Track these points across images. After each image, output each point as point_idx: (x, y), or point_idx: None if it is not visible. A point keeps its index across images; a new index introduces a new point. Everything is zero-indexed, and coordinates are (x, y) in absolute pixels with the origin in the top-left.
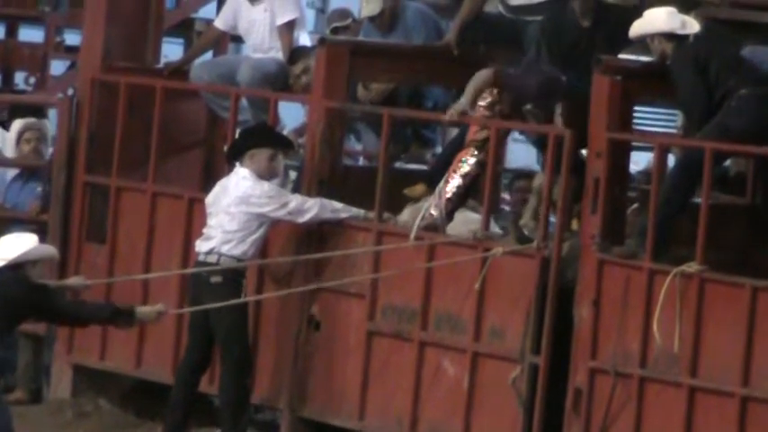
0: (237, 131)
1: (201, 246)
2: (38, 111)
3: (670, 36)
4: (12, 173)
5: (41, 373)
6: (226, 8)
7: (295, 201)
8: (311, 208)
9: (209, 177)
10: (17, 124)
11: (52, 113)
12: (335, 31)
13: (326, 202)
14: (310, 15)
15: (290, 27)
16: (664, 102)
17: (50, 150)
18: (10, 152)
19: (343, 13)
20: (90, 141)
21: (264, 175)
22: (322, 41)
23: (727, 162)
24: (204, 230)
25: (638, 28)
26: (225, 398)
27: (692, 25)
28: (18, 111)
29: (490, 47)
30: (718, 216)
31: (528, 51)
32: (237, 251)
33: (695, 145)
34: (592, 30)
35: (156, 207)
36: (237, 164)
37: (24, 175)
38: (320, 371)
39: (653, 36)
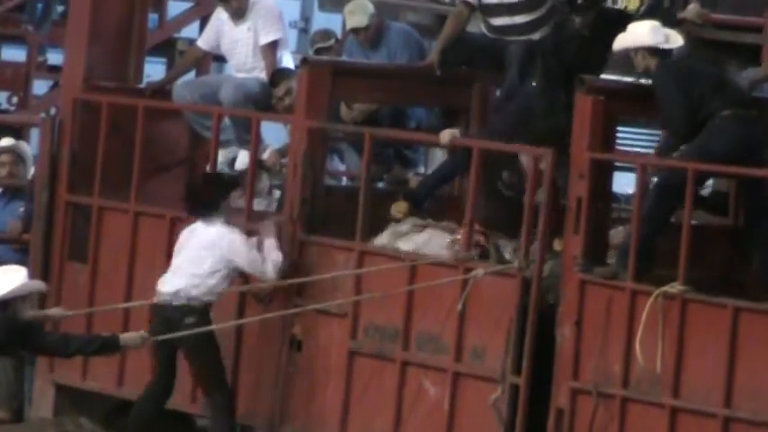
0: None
1: (165, 285)
2: (16, 131)
3: (654, 51)
4: None
5: (23, 391)
6: (208, 28)
7: (260, 259)
8: (267, 272)
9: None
10: None
11: (35, 133)
12: (318, 51)
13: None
14: (293, 35)
15: (273, 47)
16: (647, 122)
17: (32, 170)
18: None
19: (326, 34)
20: (72, 161)
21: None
22: (305, 61)
23: (709, 181)
24: (169, 270)
25: (621, 42)
26: None
27: (675, 40)
28: None
29: (472, 67)
30: (701, 236)
31: (509, 71)
32: (207, 297)
33: (677, 166)
34: (593, 40)
35: (138, 227)
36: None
37: (7, 195)
38: (302, 391)
39: (636, 50)
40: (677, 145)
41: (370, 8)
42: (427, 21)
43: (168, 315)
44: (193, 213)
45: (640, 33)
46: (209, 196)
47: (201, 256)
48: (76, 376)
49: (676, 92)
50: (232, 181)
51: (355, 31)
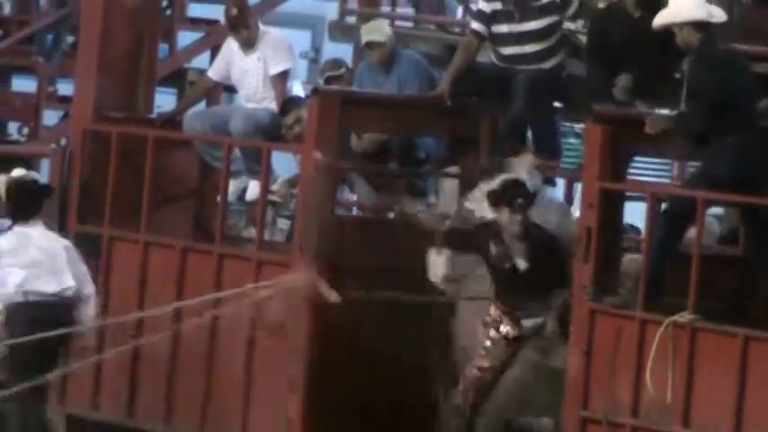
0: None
1: (52, 285)
2: (26, 162)
3: (700, 26)
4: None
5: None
6: (219, 58)
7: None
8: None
9: (201, 227)
10: (3, 178)
11: (45, 163)
12: (329, 80)
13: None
14: (303, 66)
15: (283, 77)
16: (658, 151)
17: None
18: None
19: (336, 63)
20: (82, 191)
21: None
22: (315, 91)
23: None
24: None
25: (664, 17)
26: None
27: (719, 15)
28: (8, 162)
29: (482, 97)
30: (710, 265)
31: (515, 101)
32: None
33: (686, 194)
34: (645, 22)
35: (148, 257)
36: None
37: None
38: None
39: (681, 25)
40: (695, 125)
41: (388, 30)
42: (437, 51)
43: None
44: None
45: (685, 7)
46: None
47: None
48: (86, 407)
49: (714, 81)
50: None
51: (370, 46)
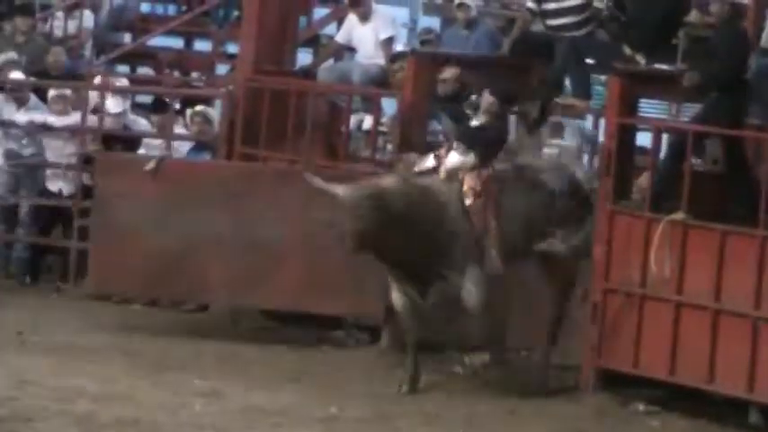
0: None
1: None
2: (205, 101)
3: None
4: (187, 146)
5: None
6: (343, 27)
7: None
8: None
9: (331, 151)
10: (189, 111)
11: (218, 103)
12: (422, 43)
13: None
14: (403, 33)
15: (389, 41)
16: (661, 96)
17: (216, 129)
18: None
19: (428, 31)
20: (244, 123)
21: None
22: (412, 51)
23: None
24: None
25: None
26: None
27: None
28: (191, 101)
29: (533, 57)
30: (700, 180)
31: (558, 59)
32: None
33: (683, 128)
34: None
35: None
36: None
37: (197, 148)
38: None
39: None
40: (713, 82)
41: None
42: (501, 23)
43: None
44: None
45: None
46: None
47: None
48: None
49: (738, 52)
50: None
51: (460, 7)
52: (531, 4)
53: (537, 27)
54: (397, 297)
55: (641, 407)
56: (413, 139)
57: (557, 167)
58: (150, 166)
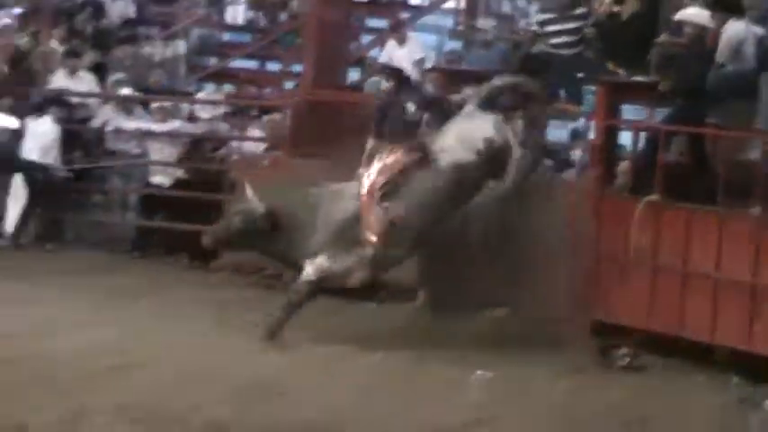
0: None
1: None
2: (276, 110)
3: (701, 27)
4: (263, 146)
5: None
6: (384, 50)
7: None
8: None
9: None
10: (265, 118)
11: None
12: (448, 62)
13: None
14: (432, 54)
15: (421, 61)
16: (637, 102)
17: (285, 133)
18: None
19: (453, 52)
20: (306, 128)
21: None
22: (433, 68)
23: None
24: None
25: (682, 15)
26: None
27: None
28: (265, 111)
29: (536, 70)
30: (670, 169)
31: (556, 72)
32: None
33: (657, 128)
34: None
35: None
36: None
37: (270, 148)
38: None
39: (692, 24)
40: (678, 96)
41: (490, 26)
42: (508, 45)
43: None
44: None
45: (696, 14)
46: None
47: None
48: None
49: (703, 66)
50: None
51: (479, 32)
52: (535, 27)
53: (538, 48)
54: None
55: (623, 350)
56: None
57: (463, 140)
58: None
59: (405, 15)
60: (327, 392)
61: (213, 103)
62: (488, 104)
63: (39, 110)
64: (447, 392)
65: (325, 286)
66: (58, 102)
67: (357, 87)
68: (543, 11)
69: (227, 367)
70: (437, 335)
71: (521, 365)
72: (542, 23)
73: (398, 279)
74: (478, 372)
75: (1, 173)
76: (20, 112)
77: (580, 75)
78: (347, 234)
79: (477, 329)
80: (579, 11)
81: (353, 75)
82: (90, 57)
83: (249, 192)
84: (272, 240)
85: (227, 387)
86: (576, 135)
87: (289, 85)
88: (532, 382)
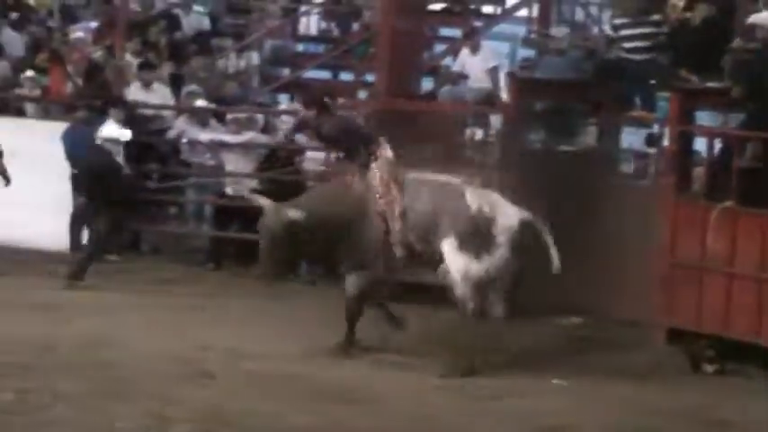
0: None
1: None
2: None
3: None
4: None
5: None
6: (458, 59)
7: None
8: None
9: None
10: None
11: None
12: (522, 69)
13: None
14: (506, 62)
15: (495, 69)
16: (712, 108)
17: None
18: None
19: (526, 59)
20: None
21: None
22: (510, 74)
23: None
24: None
25: (755, 19)
26: None
27: None
28: None
29: (610, 77)
30: (744, 175)
31: (629, 79)
32: None
33: (730, 134)
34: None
35: None
36: None
37: None
38: None
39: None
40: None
41: (563, 34)
42: (581, 52)
43: None
44: None
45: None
46: None
47: None
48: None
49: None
50: None
51: (552, 39)
52: (610, 31)
53: (611, 54)
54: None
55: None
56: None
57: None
58: None
59: (478, 24)
60: (416, 401)
61: (288, 113)
62: None
63: (102, 112)
64: (523, 400)
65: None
66: (117, 103)
67: (430, 96)
68: (618, 15)
69: (308, 375)
70: (515, 342)
71: (597, 371)
72: (617, 27)
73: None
74: (554, 380)
75: (106, 190)
76: (94, 125)
77: (653, 81)
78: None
79: (554, 336)
80: (654, 17)
81: (427, 84)
82: (168, 68)
83: (265, 203)
84: (318, 243)
85: (310, 394)
86: (651, 141)
87: (362, 94)
88: (609, 387)
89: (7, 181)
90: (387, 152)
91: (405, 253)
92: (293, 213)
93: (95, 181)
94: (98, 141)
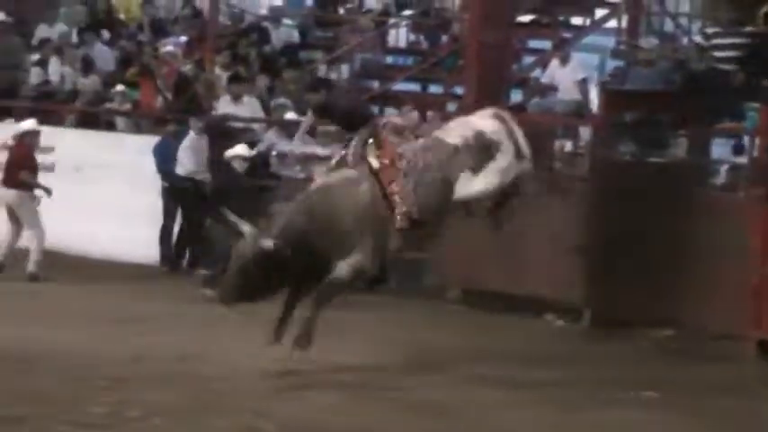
0: None
1: None
2: None
3: None
4: None
5: None
6: (547, 71)
7: None
8: None
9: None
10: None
11: None
12: (612, 79)
13: None
14: (595, 74)
15: (584, 81)
16: None
17: None
18: None
19: (616, 71)
20: None
21: None
22: (602, 85)
23: None
24: None
25: None
26: None
27: None
28: None
29: (697, 88)
30: None
31: (717, 92)
32: None
33: None
34: None
35: None
36: None
37: None
38: None
39: None
40: None
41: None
42: (670, 63)
43: None
44: None
45: None
46: None
47: None
48: None
49: None
50: None
51: (641, 51)
52: (701, 40)
53: (701, 65)
54: None
55: None
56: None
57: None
58: None
59: (567, 35)
60: (496, 414)
61: None
62: None
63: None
64: (608, 413)
65: None
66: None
67: (520, 108)
68: (711, 24)
69: (401, 388)
70: (600, 354)
71: (685, 383)
72: (709, 36)
73: (559, 297)
74: (645, 392)
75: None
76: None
77: (743, 92)
78: None
79: (641, 348)
80: (747, 29)
81: (516, 96)
82: (263, 81)
83: (246, 229)
84: (294, 269)
85: (399, 406)
86: (739, 151)
87: (451, 107)
88: (698, 400)
89: (48, 193)
90: (394, 120)
91: (408, 225)
92: (266, 244)
93: (222, 198)
94: (226, 159)
